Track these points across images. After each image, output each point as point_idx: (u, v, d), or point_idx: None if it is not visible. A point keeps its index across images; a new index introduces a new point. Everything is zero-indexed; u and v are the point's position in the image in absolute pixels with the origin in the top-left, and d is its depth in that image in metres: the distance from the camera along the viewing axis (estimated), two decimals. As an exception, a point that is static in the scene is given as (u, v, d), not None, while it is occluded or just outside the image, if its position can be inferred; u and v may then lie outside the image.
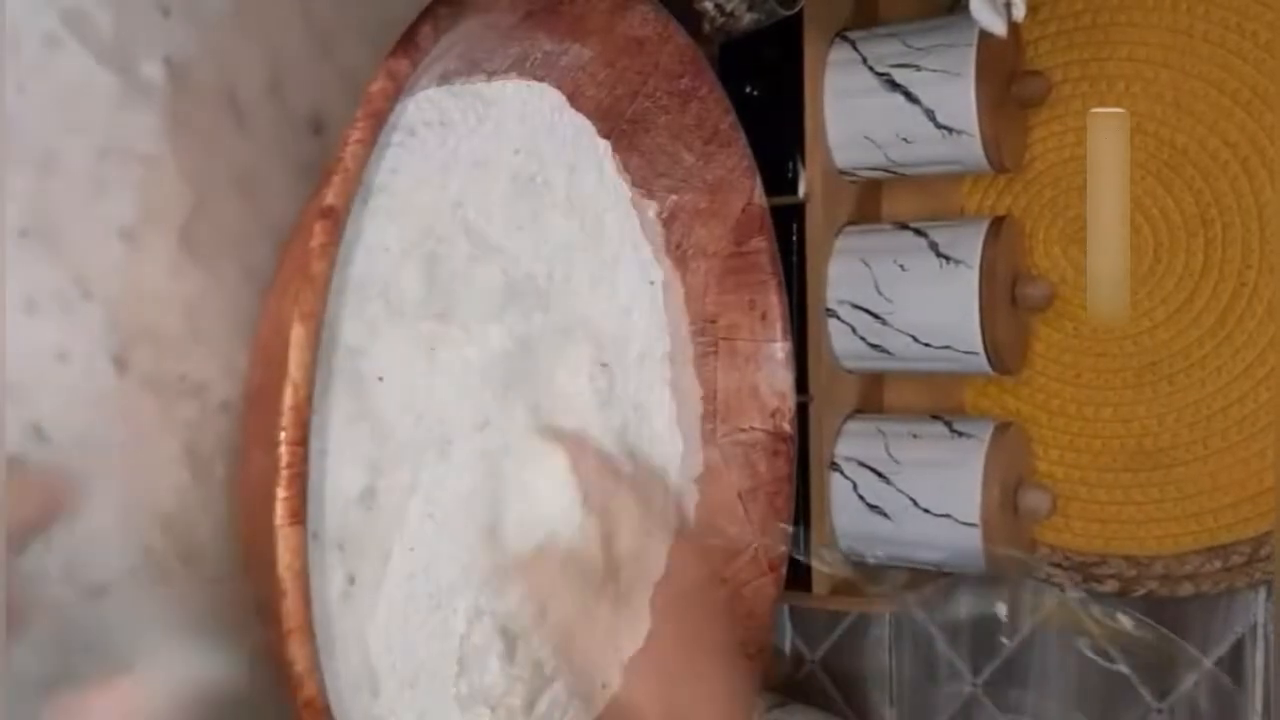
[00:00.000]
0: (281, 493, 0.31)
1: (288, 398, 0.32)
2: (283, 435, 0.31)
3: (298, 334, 0.32)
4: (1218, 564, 0.71)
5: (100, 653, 0.36)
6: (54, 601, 0.35)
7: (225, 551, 0.39)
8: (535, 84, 0.48)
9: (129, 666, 0.36)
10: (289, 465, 0.32)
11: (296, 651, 0.32)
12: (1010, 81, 0.71)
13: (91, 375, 0.36)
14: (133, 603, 0.37)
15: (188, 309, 0.38)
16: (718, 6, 0.61)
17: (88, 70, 0.35)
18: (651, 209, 0.52)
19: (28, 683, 0.34)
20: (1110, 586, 0.74)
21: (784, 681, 0.84)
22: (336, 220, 0.33)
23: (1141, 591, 0.73)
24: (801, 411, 0.66)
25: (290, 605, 0.31)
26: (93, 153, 0.35)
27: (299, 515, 0.32)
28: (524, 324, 0.48)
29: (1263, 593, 0.71)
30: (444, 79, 0.44)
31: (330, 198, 0.33)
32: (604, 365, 0.51)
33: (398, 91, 0.35)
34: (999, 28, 0.58)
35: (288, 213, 0.40)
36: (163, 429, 0.37)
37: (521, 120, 0.48)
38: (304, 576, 0.32)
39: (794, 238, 0.71)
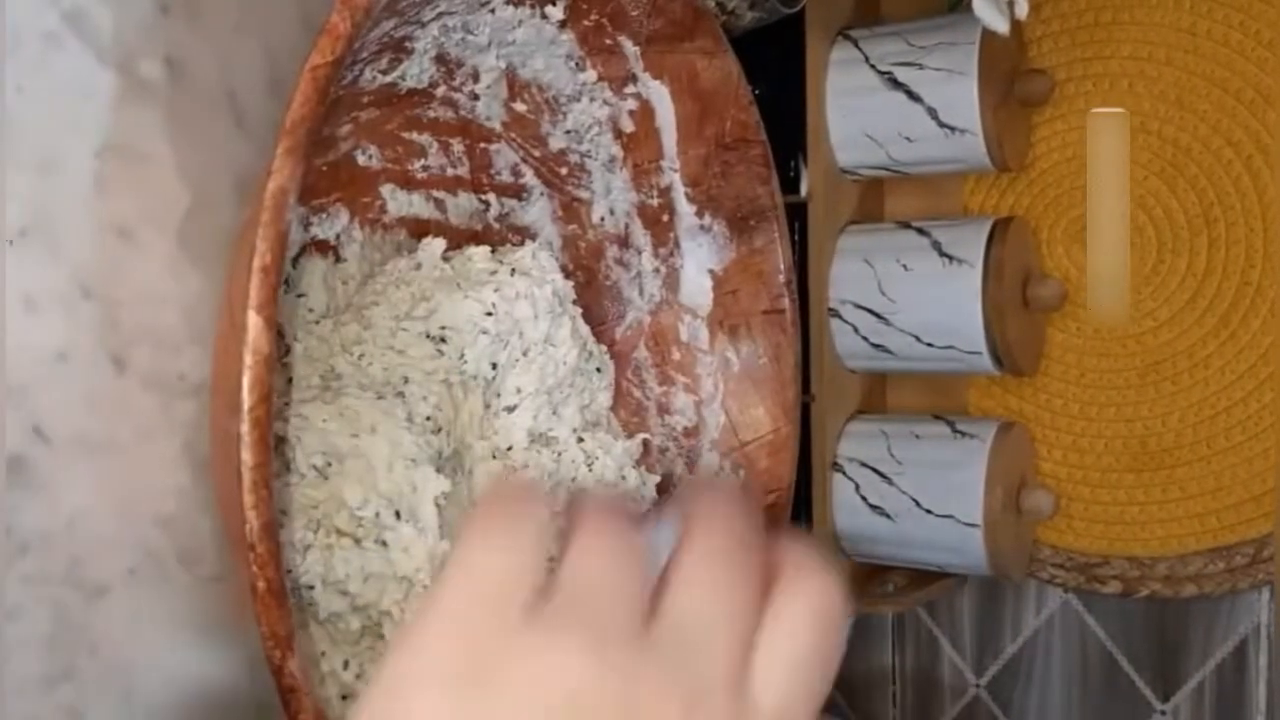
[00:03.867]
0: (249, 499, 0.30)
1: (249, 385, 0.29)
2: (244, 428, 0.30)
3: (254, 321, 0.30)
4: (1221, 565, 0.71)
5: (100, 653, 0.36)
6: (54, 601, 0.35)
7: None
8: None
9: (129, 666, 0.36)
10: (256, 467, 0.30)
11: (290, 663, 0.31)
12: (1013, 80, 0.70)
13: (91, 375, 0.36)
14: (133, 603, 0.37)
15: (186, 308, 0.38)
16: (719, 5, 0.60)
17: (88, 70, 0.35)
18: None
19: (28, 683, 0.34)
20: (1113, 587, 0.73)
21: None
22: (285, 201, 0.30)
23: (1145, 592, 0.73)
24: (804, 411, 0.66)
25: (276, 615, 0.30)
26: (92, 152, 0.35)
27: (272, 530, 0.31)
28: None
29: (1266, 593, 0.71)
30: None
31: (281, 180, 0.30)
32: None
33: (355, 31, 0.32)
34: (1002, 26, 0.58)
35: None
36: (162, 429, 0.37)
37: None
38: (282, 591, 0.31)
39: (796, 237, 0.71)
